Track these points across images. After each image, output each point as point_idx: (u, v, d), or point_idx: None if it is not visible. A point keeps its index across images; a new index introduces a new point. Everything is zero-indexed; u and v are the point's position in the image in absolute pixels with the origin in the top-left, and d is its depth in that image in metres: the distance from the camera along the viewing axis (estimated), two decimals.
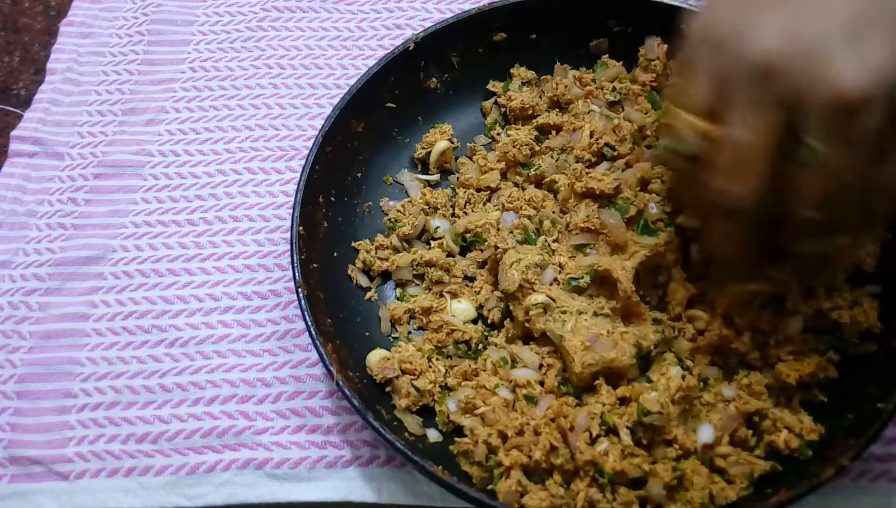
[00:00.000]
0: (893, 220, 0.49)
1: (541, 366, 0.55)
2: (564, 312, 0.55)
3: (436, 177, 0.67)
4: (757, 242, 0.50)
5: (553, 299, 0.55)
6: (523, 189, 0.63)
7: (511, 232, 0.60)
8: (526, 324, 0.56)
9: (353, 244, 0.63)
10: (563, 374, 0.55)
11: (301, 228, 0.57)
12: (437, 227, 0.63)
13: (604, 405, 0.52)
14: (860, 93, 0.41)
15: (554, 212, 0.61)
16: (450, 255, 0.62)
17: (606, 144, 0.62)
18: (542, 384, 0.55)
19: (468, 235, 0.62)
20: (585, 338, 0.53)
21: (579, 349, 0.53)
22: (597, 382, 0.54)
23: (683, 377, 0.52)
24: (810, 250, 0.49)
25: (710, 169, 0.46)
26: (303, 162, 0.62)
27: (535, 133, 0.66)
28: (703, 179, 0.47)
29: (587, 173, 0.60)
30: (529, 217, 0.60)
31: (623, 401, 0.53)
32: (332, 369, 0.52)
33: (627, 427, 0.51)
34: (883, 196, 0.46)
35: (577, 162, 0.63)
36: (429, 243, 0.63)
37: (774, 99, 0.43)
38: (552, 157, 0.64)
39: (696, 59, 0.47)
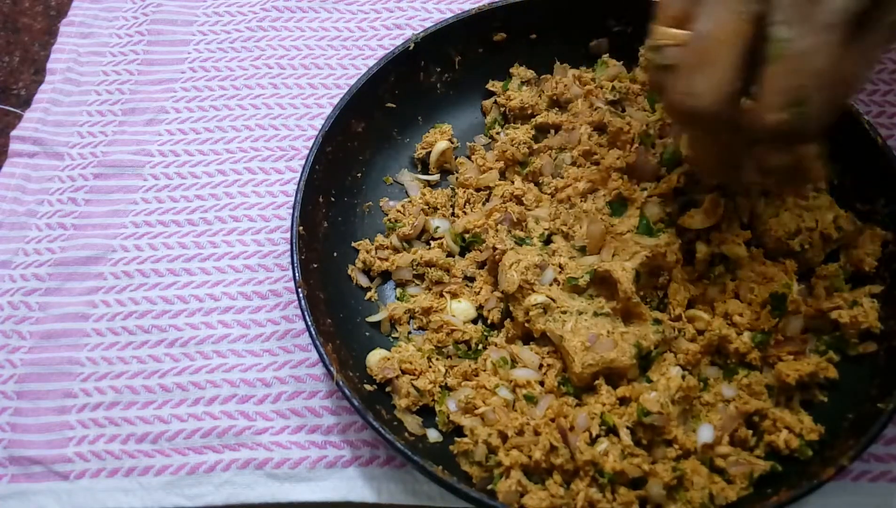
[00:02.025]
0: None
1: (541, 366, 0.55)
2: (564, 312, 0.55)
3: (436, 177, 0.67)
4: (729, 153, 0.49)
5: (553, 300, 0.55)
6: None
7: (509, 231, 0.60)
8: (526, 324, 0.56)
9: (353, 244, 0.63)
10: (563, 374, 0.55)
11: (301, 228, 0.57)
12: (437, 227, 0.63)
13: (604, 405, 0.52)
14: None
15: (555, 211, 0.61)
16: (450, 255, 0.62)
17: (598, 144, 0.63)
18: (542, 384, 0.55)
19: (467, 235, 0.62)
20: (585, 338, 0.53)
21: (579, 349, 0.53)
22: (597, 382, 0.54)
23: (683, 377, 0.52)
24: (778, 162, 0.47)
25: (678, 71, 0.45)
26: (303, 162, 0.62)
27: (534, 132, 0.66)
28: (674, 85, 0.45)
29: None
30: (519, 220, 0.60)
31: (623, 401, 0.53)
32: (332, 369, 0.52)
33: (627, 427, 0.51)
34: (847, 87, 0.45)
35: (572, 164, 0.63)
36: (429, 243, 0.63)
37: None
38: (551, 156, 0.64)
39: None
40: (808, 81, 0.42)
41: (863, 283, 0.56)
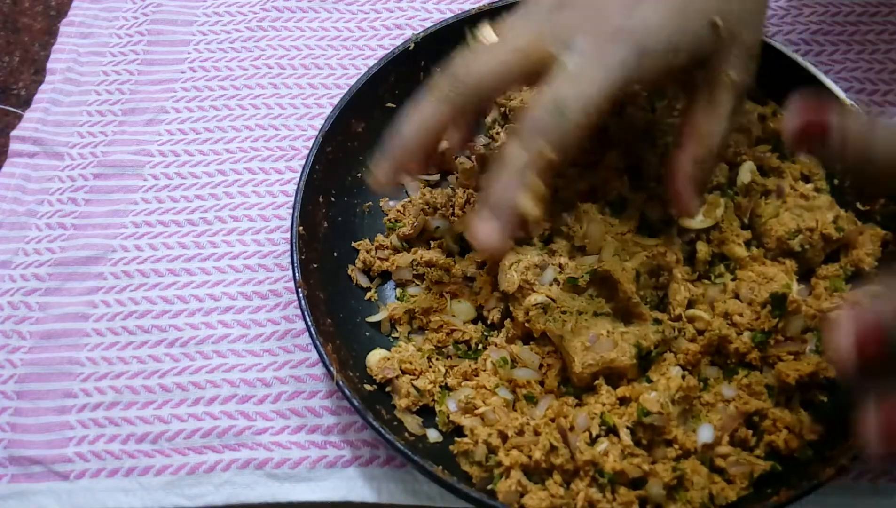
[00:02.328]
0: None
1: (541, 366, 0.55)
2: (565, 312, 0.55)
3: (436, 177, 0.67)
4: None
5: (553, 300, 0.55)
6: None
7: None
8: (526, 324, 0.56)
9: (353, 244, 0.63)
10: (563, 374, 0.55)
11: (301, 228, 0.57)
12: (437, 227, 0.63)
13: (604, 405, 0.52)
14: (620, 31, 0.47)
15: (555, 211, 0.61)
16: (450, 255, 0.62)
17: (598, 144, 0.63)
18: (542, 384, 0.55)
19: (467, 235, 0.62)
20: (586, 338, 0.53)
21: (579, 349, 0.53)
22: (597, 382, 0.54)
23: (683, 377, 0.52)
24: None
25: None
26: (303, 162, 0.62)
27: None
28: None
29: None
30: None
31: (623, 401, 0.53)
32: (332, 369, 0.52)
33: (627, 427, 0.51)
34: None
35: (572, 164, 0.63)
36: (429, 243, 0.63)
37: (550, 23, 0.49)
38: None
39: None
40: (564, 102, 0.47)
41: (862, 283, 0.56)
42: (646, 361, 0.54)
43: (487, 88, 0.49)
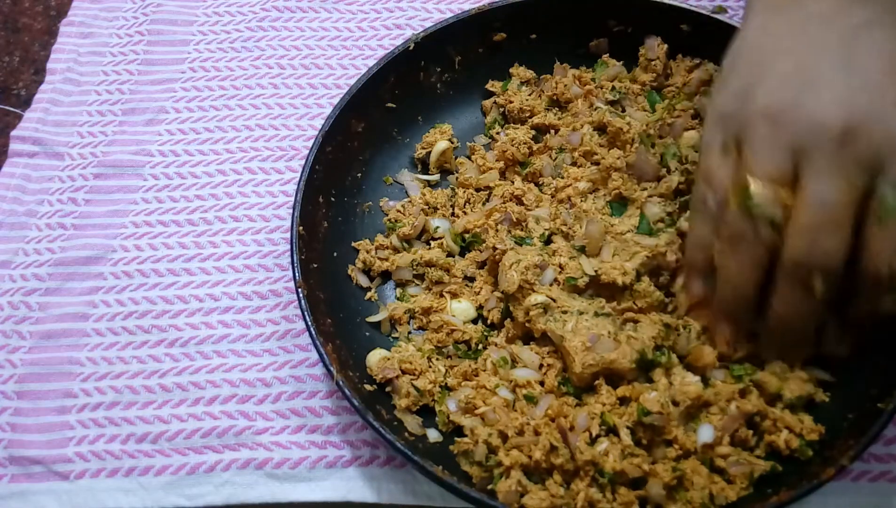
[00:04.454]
0: None
1: (541, 366, 0.55)
2: (565, 312, 0.55)
3: (436, 177, 0.67)
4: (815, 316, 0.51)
5: (553, 300, 0.55)
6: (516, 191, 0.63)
7: (509, 231, 0.60)
8: (526, 324, 0.56)
9: (353, 244, 0.63)
10: (563, 374, 0.55)
11: (301, 228, 0.57)
12: (437, 227, 0.63)
13: (604, 405, 0.52)
14: None
15: (555, 211, 0.61)
16: (450, 255, 0.62)
17: (598, 144, 0.63)
18: (542, 384, 0.55)
19: (467, 235, 0.62)
20: (586, 338, 0.53)
21: (580, 349, 0.53)
22: (597, 382, 0.54)
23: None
24: (890, 308, 0.49)
25: (790, 233, 0.47)
26: (303, 162, 0.62)
27: (534, 132, 0.66)
28: (779, 244, 0.48)
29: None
30: (519, 220, 0.60)
31: (623, 401, 0.53)
32: (332, 369, 0.52)
33: (627, 427, 0.51)
34: None
35: (572, 163, 0.63)
36: (429, 243, 0.63)
37: (855, 160, 0.46)
38: (551, 156, 0.64)
39: (753, 134, 0.49)
40: None
41: None
42: (647, 361, 0.54)
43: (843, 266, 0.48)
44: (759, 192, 0.48)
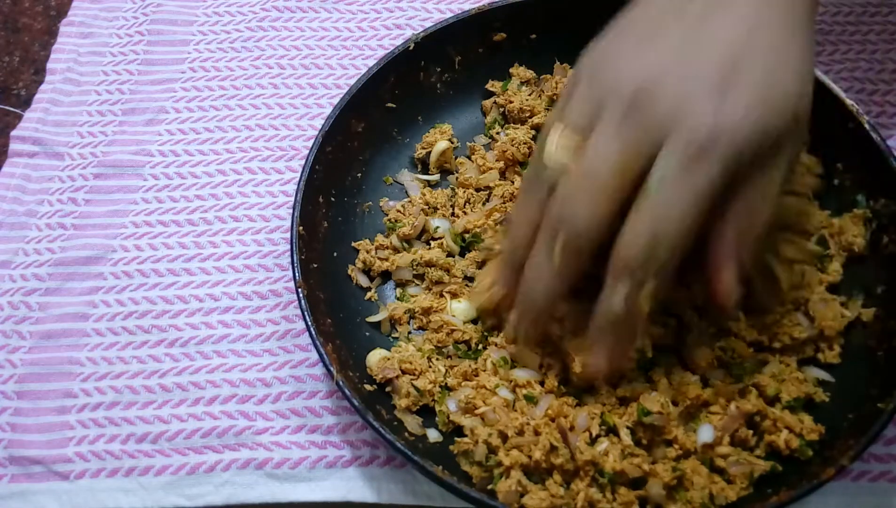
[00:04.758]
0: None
1: (541, 366, 0.55)
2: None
3: (436, 177, 0.67)
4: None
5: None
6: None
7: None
8: None
9: (353, 244, 0.63)
10: (563, 374, 0.55)
11: (301, 228, 0.57)
12: (437, 227, 0.63)
13: (604, 405, 0.52)
14: (708, 142, 0.42)
15: None
16: (450, 255, 0.62)
17: None
18: (542, 384, 0.55)
19: (467, 235, 0.62)
20: (586, 338, 0.53)
21: (580, 349, 0.53)
22: (597, 382, 0.53)
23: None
24: (617, 308, 0.47)
25: (557, 185, 0.46)
26: (303, 162, 0.62)
27: (534, 132, 0.66)
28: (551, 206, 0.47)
29: None
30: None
31: (623, 401, 0.53)
32: (332, 369, 0.52)
33: (627, 427, 0.51)
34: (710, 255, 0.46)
35: None
36: (429, 243, 0.63)
37: (639, 126, 0.44)
38: None
39: (577, 86, 0.48)
40: (660, 237, 0.44)
41: (858, 268, 0.57)
42: (647, 361, 0.54)
43: (598, 237, 0.46)
44: (553, 138, 0.47)
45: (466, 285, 0.61)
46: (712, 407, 0.52)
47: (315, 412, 0.58)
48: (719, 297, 0.46)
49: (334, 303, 0.58)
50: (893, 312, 0.54)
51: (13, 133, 0.72)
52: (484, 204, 0.64)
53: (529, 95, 0.68)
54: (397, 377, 0.55)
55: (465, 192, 0.64)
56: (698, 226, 0.44)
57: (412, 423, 0.54)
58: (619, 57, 0.47)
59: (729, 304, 0.46)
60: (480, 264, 0.61)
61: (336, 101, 0.63)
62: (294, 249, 0.56)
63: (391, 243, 0.63)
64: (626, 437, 0.51)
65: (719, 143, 0.42)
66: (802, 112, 0.45)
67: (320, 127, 0.61)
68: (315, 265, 0.58)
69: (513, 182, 0.64)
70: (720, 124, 0.42)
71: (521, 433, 0.51)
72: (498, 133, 0.67)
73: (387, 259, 0.62)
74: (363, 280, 0.62)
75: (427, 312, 0.59)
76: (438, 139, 0.67)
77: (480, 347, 0.58)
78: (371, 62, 0.68)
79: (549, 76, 0.69)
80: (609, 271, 0.46)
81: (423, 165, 0.68)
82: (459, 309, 0.59)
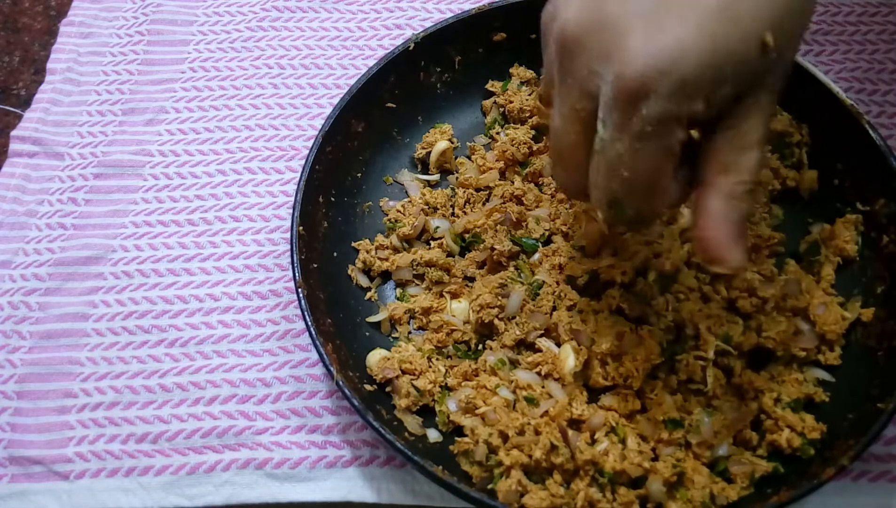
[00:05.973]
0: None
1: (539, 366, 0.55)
2: (581, 311, 0.55)
3: (436, 177, 0.67)
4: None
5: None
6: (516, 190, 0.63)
7: (509, 231, 0.60)
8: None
9: (353, 244, 0.63)
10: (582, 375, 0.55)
11: (301, 228, 0.57)
12: (437, 227, 0.63)
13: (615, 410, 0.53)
14: (640, 78, 0.38)
15: (555, 211, 0.61)
16: (450, 255, 0.62)
17: None
18: (543, 380, 0.55)
19: (467, 235, 0.62)
20: (612, 337, 0.53)
21: (571, 351, 0.53)
22: (607, 383, 0.53)
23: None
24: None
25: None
26: (303, 162, 0.62)
27: (534, 132, 0.66)
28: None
29: None
30: (519, 220, 0.60)
31: (630, 416, 0.53)
32: (332, 369, 0.52)
33: (630, 428, 0.51)
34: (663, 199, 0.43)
35: None
36: (429, 243, 0.63)
37: (577, 82, 0.41)
38: None
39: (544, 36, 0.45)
40: (617, 187, 0.41)
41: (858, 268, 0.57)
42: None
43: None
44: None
45: (466, 285, 0.61)
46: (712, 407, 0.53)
47: (315, 412, 0.58)
48: (716, 260, 0.43)
49: (334, 303, 0.58)
50: (893, 312, 0.54)
51: (13, 133, 0.72)
52: (484, 204, 0.64)
53: (529, 95, 0.68)
54: (397, 377, 0.55)
55: (465, 192, 0.64)
56: (670, 166, 0.41)
57: (412, 423, 0.54)
58: (561, 3, 0.43)
59: (732, 265, 0.43)
60: (481, 265, 0.61)
61: (336, 101, 0.63)
62: (294, 249, 0.56)
63: (391, 243, 0.63)
64: (632, 443, 0.51)
65: (654, 81, 0.38)
66: (779, 48, 0.39)
67: (320, 127, 0.61)
68: (315, 265, 0.58)
69: (512, 182, 0.64)
70: (652, 59, 0.38)
71: (521, 432, 0.51)
72: (498, 133, 0.67)
73: (387, 259, 0.62)
74: (363, 280, 0.62)
75: (427, 312, 0.59)
76: (438, 139, 0.67)
77: (480, 347, 0.58)
78: (371, 62, 0.68)
79: None
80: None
81: (423, 165, 0.68)
82: (459, 309, 0.59)
